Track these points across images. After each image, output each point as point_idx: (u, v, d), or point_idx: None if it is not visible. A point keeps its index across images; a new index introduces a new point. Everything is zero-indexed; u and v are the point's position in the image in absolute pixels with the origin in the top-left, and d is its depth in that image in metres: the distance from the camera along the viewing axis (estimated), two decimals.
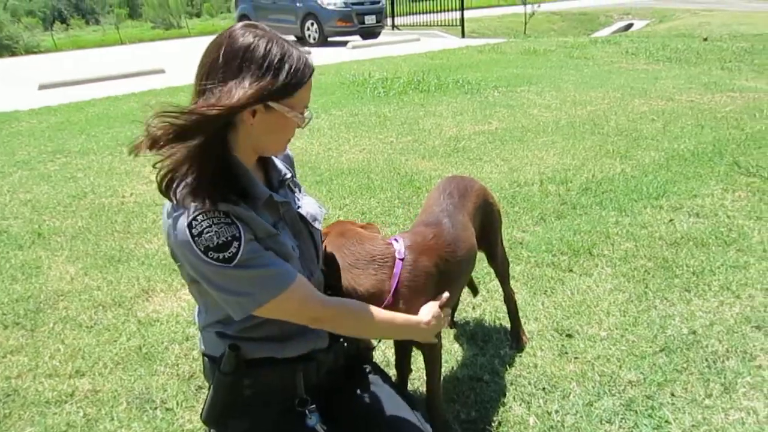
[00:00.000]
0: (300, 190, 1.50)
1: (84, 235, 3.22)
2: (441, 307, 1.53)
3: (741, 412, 1.79)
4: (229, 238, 1.17)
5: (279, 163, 1.44)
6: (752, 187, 3.60)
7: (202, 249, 1.17)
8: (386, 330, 1.48)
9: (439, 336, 1.70)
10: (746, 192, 3.54)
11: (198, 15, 30.98)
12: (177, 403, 1.96)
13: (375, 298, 1.46)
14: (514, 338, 2.19)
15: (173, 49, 15.27)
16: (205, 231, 1.17)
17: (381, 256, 1.50)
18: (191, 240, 1.17)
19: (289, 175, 1.44)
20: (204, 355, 1.47)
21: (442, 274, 1.59)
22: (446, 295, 1.56)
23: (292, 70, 1.20)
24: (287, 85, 1.20)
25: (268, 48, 1.19)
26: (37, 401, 1.98)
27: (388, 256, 1.51)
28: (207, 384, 1.98)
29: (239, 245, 1.18)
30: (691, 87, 6.68)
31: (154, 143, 1.15)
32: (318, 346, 1.44)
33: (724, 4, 18.19)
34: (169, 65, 10.17)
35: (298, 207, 1.43)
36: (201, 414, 1.48)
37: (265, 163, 1.39)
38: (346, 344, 1.53)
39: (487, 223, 1.96)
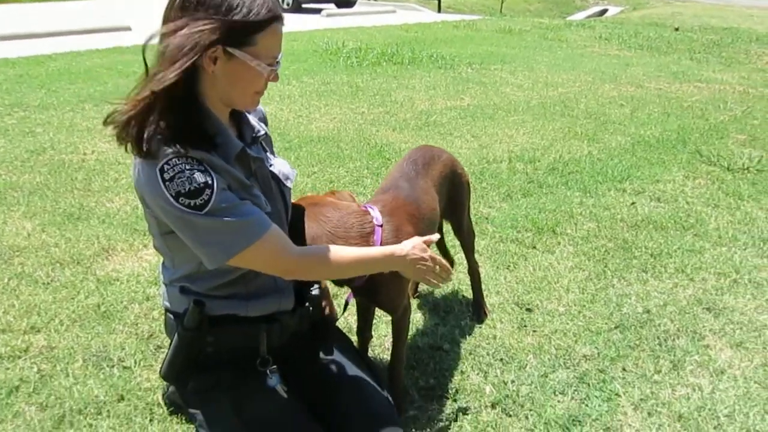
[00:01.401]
0: (271, 150, 1.49)
1: (42, 191, 3.12)
2: (427, 243, 1.46)
3: (687, 388, 1.87)
4: (202, 185, 1.15)
5: (253, 119, 1.42)
6: (712, 176, 3.70)
7: (173, 194, 1.14)
8: (364, 266, 1.41)
9: (408, 304, 1.71)
10: (706, 180, 3.64)
11: None
12: (135, 362, 1.94)
13: None
14: (476, 310, 2.23)
15: (141, 4, 14.73)
16: (177, 176, 1.14)
17: (360, 224, 1.50)
18: (162, 184, 1.15)
19: (262, 133, 1.42)
20: (167, 311, 1.46)
21: (416, 233, 1.60)
22: (436, 236, 1.52)
23: (249, 12, 1.14)
24: (244, 27, 1.14)
25: None
26: None
27: (367, 224, 1.51)
28: (167, 343, 1.97)
29: (211, 193, 1.16)
30: (660, 75, 6.80)
31: (128, 123, 1.15)
32: (283, 308, 1.44)
33: None
34: (136, 22, 9.82)
35: (270, 165, 1.41)
36: (160, 370, 1.47)
37: (238, 118, 1.37)
38: (311, 309, 1.53)
39: (454, 194, 1.98)
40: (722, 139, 4.47)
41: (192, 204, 1.15)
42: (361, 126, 4.51)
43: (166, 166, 1.14)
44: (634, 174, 3.69)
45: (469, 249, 2.17)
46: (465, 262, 2.23)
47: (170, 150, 1.15)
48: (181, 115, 1.16)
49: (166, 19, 1.16)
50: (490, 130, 4.50)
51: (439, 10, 14.15)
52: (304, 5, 13.72)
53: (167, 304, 1.44)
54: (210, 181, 1.16)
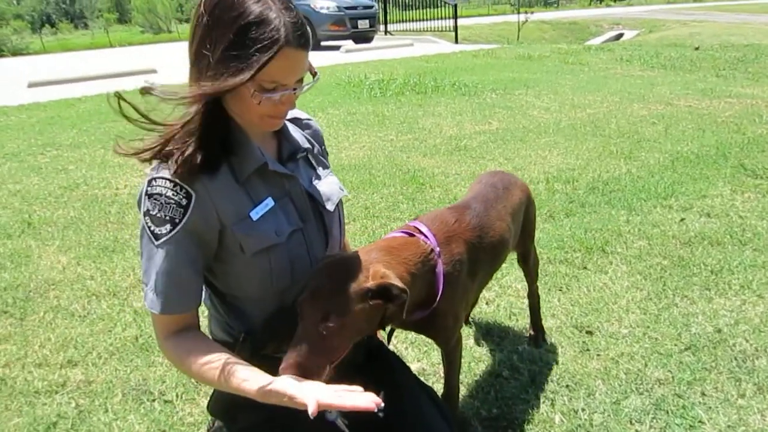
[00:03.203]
0: (324, 168, 1.40)
1: (76, 226, 3.08)
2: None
3: None
4: (167, 218, 1.09)
5: (297, 134, 1.34)
6: (760, 189, 3.55)
7: (144, 210, 1.10)
8: (241, 392, 1.10)
9: (459, 331, 1.58)
10: (755, 193, 3.49)
11: (188, 20, 30.78)
12: (176, 395, 1.83)
13: (428, 304, 1.33)
14: (535, 336, 2.09)
15: (163, 52, 15.09)
16: (155, 195, 1.09)
17: (425, 257, 1.30)
18: (143, 194, 1.11)
19: (307, 148, 1.34)
20: (213, 338, 1.36)
21: (472, 263, 1.47)
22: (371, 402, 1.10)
23: (258, 48, 1.03)
24: (250, 67, 1.04)
25: (241, 16, 1.04)
26: (25, 391, 1.84)
27: (429, 253, 1.32)
28: None
29: (171, 230, 1.09)
30: (688, 93, 6.68)
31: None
32: None
33: (712, 16, 18.41)
34: (161, 66, 10.01)
35: (313, 184, 1.32)
36: (207, 405, 1.38)
37: (279, 133, 1.29)
38: (365, 340, 1.42)
39: (527, 222, 1.86)
40: (764, 152, 4.32)
41: (151, 229, 1.10)
42: (392, 153, 4.44)
43: (153, 182, 1.10)
44: (679, 190, 3.54)
45: (533, 278, 2.05)
46: (514, 284, 2.11)
47: (173, 168, 1.09)
48: (208, 131, 1.12)
49: (192, 39, 1.11)
50: (522, 153, 4.40)
51: (456, 41, 14.24)
52: (322, 42, 13.92)
53: (215, 331, 1.35)
54: (177, 220, 1.09)
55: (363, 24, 14.15)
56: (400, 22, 16.67)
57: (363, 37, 14.37)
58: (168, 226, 1.09)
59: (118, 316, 2.25)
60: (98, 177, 3.88)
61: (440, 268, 1.34)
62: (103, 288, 2.45)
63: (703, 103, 6.10)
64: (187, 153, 1.10)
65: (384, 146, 4.63)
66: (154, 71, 9.89)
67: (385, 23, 16.34)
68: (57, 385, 1.88)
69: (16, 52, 17.72)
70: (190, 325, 1.18)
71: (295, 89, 1.13)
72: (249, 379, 1.09)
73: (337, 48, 13.25)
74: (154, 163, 1.14)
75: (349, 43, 14.06)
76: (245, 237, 1.16)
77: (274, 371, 1.23)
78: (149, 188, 1.10)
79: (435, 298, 1.33)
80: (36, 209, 3.32)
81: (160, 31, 23.80)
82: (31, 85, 8.71)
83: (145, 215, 1.11)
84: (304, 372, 1.09)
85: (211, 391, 1.37)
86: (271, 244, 1.18)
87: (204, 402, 1.74)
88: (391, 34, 16.19)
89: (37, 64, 12.76)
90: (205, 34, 1.07)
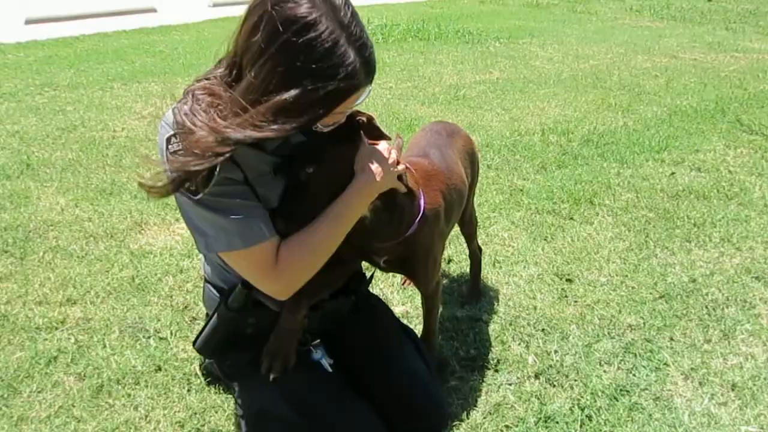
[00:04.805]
0: None
1: (74, 168, 3.13)
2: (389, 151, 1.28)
3: (740, 357, 1.79)
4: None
5: None
6: (754, 145, 3.56)
7: (172, 169, 1.08)
8: (343, 220, 1.21)
9: (439, 277, 1.64)
10: (748, 149, 3.51)
11: None
12: (171, 333, 1.93)
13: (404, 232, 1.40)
14: (472, 295, 2.10)
15: None
16: (180, 151, 1.06)
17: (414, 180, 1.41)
18: (165, 154, 1.10)
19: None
20: (206, 281, 1.42)
21: (447, 204, 1.53)
22: (397, 141, 1.35)
23: (335, 91, 1.02)
24: (331, 99, 1.04)
25: (320, 40, 1.00)
26: (27, 327, 1.94)
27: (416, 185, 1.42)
28: (202, 314, 1.96)
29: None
30: (694, 46, 6.57)
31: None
32: (324, 296, 1.41)
33: None
34: (161, 4, 9.82)
35: None
36: (194, 342, 1.44)
37: None
38: (353, 296, 1.50)
39: (470, 173, 1.86)
40: (763, 108, 4.30)
41: (186, 186, 1.08)
42: (390, 101, 4.43)
43: (173, 138, 1.08)
44: (672, 144, 3.56)
45: (472, 235, 2.03)
46: (499, 234, 2.16)
47: (186, 118, 1.08)
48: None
49: (247, 51, 1.05)
50: (521, 103, 4.39)
51: None
52: None
53: (208, 275, 1.41)
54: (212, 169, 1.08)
55: None
56: None
57: None
58: None
59: (115, 257, 2.33)
60: (96, 119, 3.90)
61: (422, 202, 1.40)
62: (100, 230, 2.52)
63: (709, 57, 6.02)
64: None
65: (382, 94, 4.61)
66: (153, 10, 9.70)
67: None
68: (57, 321, 1.97)
69: None
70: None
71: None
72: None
73: None
74: (168, 111, 1.13)
75: None
76: (261, 191, 1.19)
77: (265, 315, 1.31)
78: (170, 146, 1.08)
79: (408, 227, 1.38)
80: (34, 150, 3.36)
81: None
82: (28, 22, 8.56)
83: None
84: None
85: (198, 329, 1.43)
86: (271, 204, 1.21)
87: None
88: None
89: None
90: (281, 67, 1.01)
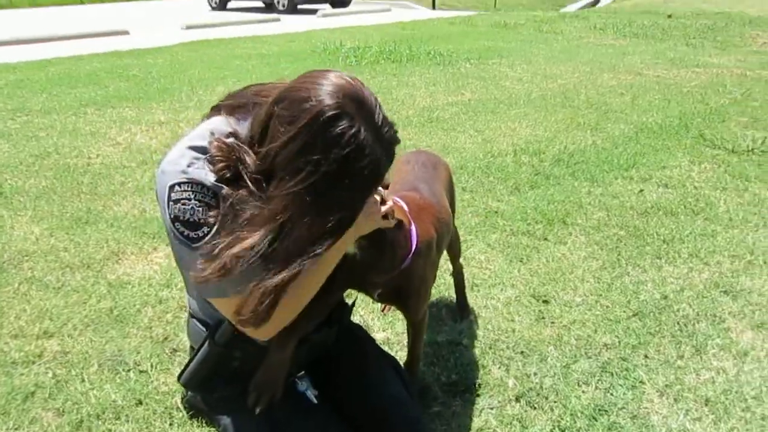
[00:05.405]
0: None
1: (48, 196, 3.10)
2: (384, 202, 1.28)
3: (712, 372, 1.85)
4: (201, 221, 1.10)
5: None
6: (717, 159, 3.69)
7: (172, 216, 1.11)
8: (322, 268, 1.20)
9: (427, 305, 1.67)
10: (712, 164, 3.63)
11: None
12: (151, 366, 1.91)
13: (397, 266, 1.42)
14: (464, 309, 2.17)
15: (136, 11, 14.71)
16: (182, 200, 1.09)
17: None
18: (166, 201, 1.11)
19: None
20: (192, 316, 1.42)
21: (438, 237, 1.56)
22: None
23: (371, 180, 1.06)
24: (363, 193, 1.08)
25: (356, 152, 1.01)
26: (2, 361, 1.90)
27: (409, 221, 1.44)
28: (182, 345, 1.96)
29: (208, 232, 1.10)
30: (657, 62, 6.79)
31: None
32: (309, 331, 1.42)
33: None
34: (134, 27, 9.79)
35: None
36: (179, 377, 1.43)
37: None
38: (338, 326, 1.51)
39: (451, 200, 1.90)
40: (724, 122, 4.47)
41: (185, 234, 1.11)
42: None
43: (177, 187, 1.10)
44: (640, 161, 3.67)
45: (457, 255, 2.11)
46: (477, 256, 2.20)
47: (190, 169, 1.11)
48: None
49: (284, 151, 1.03)
50: (493, 124, 4.48)
51: (434, 7, 14.13)
52: (299, 6, 13.69)
53: (193, 309, 1.41)
54: (212, 221, 1.10)
55: None
56: None
57: (340, 1, 14.17)
58: (204, 229, 1.10)
59: (93, 288, 2.31)
60: (70, 145, 3.87)
61: (414, 235, 1.43)
62: (77, 259, 2.50)
63: (671, 73, 6.23)
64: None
65: None
66: (126, 33, 9.68)
67: None
68: (34, 355, 1.94)
69: None
70: None
71: None
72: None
73: (313, 12, 13.06)
74: (174, 154, 1.14)
75: (326, 7, 13.86)
76: None
77: (252, 349, 1.31)
78: (172, 194, 1.09)
79: (403, 261, 1.40)
80: (7, 178, 3.32)
81: None
82: None
83: (173, 222, 1.10)
84: None
85: (185, 360, 1.44)
86: None
87: (177, 372, 1.82)
88: None
89: (4, 20, 12.35)
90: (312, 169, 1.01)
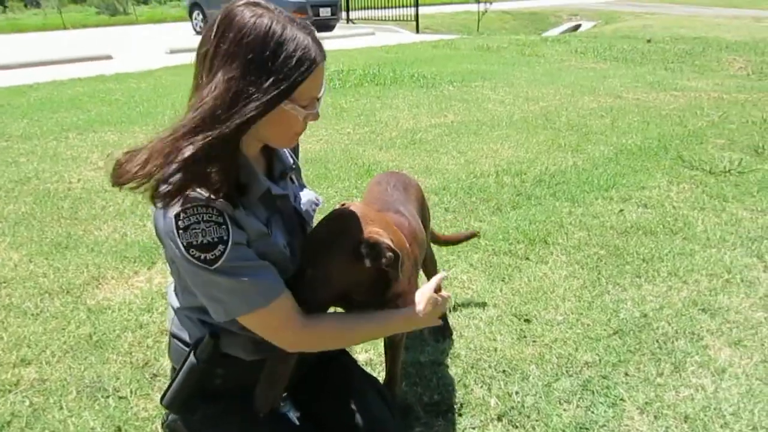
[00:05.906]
0: (299, 181, 1.45)
1: (28, 221, 3.07)
2: (436, 290, 1.42)
3: (691, 389, 1.87)
4: (216, 240, 1.10)
5: (286, 151, 1.37)
6: (695, 180, 3.76)
7: (185, 244, 1.10)
8: (378, 332, 1.42)
9: None
10: (690, 184, 3.69)
11: (146, 2, 29.95)
12: (131, 392, 1.89)
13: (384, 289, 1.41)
14: (446, 329, 2.17)
15: (120, 36, 14.76)
16: (191, 226, 1.09)
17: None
18: (176, 231, 1.10)
19: (293, 165, 1.39)
20: (173, 336, 1.42)
21: (417, 259, 1.58)
22: (442, 274, 1.50)
23: (295, 65, 1.08)
24: (290, 83, 1.09)
25: (269, 36, 1.07)
26: None
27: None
28: (163, 371, 1.94)
29: (224, 249, 1.10)
30: (637, 85, 6.91)
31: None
32: None
33: (665, 8, 18.90)
34: (117, 51, 9.82)
35: (296, 200, 1.38)
36: (161, 398, 1.43)
37: (269, 152, 1.31)
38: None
39: (423, 219, 1.92)
40: (702, 144, 4.55)
41: (203, 258, 1.10)
42: (348, 146, 4.52)
43: (182, 215, 1.09)
44: (620, 182, 3.72)
45: (432, 273, 2.06)
46: (459, 276, 2.22)
47: (192, 196, 1.10)
48: (217, 165, 1.11)
49: (206, 61, 1.10)
50: (475, 146, 4.53)
51: (418, 31, 14.33)
52: None
53: (176, 330, 1.40)
54: (225, 237, 1.10)
55: (325, 12, 14.12)
56: (362, 9, 16.67)
57: (324, 26, 14.31)
58: (219, 247, 1.10)
59: (72, 314, 2.29)
60: (50, 170, 3.85)
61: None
62: (56, 285, 2.48)
63: (650, 96, 6.34)
64: (204, 180, 1.11)
65: (341, 139, 4.70)
66: (109, 57, 9.70)
67: (348, 11, 16.31)
68: (10, 384, 1.91)
69: None
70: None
71: (319, 100, 1.19)
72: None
73: None
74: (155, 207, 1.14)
75: None
76: (268, 250, 1.20)
77: (233, 366, 1.32)
78: (179, 222, 1.09)
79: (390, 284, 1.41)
80: None
81: (116, 12, 23.10)
82: None
83: (187, 250, 1.09)
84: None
85: (165, 385, 1.42)
86: (282, 259, 1.23)
87: (157, 397, 1.80)
88: (353, 23, 16.16)
89: None
90: (237, 62, 1.07)
